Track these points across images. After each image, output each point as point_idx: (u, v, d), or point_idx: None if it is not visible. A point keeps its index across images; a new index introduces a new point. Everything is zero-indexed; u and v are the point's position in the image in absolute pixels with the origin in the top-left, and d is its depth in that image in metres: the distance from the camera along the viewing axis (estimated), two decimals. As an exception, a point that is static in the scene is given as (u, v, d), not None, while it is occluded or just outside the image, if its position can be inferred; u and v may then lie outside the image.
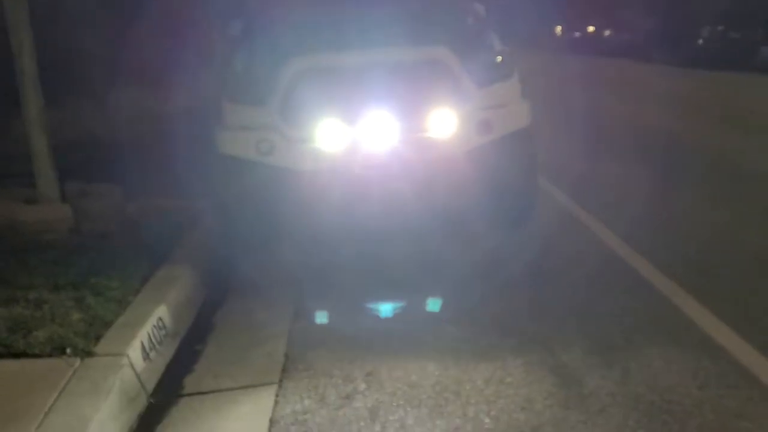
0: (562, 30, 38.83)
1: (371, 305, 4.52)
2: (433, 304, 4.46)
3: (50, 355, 3.47)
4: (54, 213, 5.32)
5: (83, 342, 3.55)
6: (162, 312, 4.04)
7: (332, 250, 4.99)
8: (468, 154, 4.78)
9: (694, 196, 6.38)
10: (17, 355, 3.48)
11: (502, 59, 5.05)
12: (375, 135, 4.65)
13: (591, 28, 32.54)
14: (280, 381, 3.67)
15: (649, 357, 3.69)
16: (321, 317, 4.32)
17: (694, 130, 9.73)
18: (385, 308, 4.50)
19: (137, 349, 3.62)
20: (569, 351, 3.78)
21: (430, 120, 4.70)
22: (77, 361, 3.42)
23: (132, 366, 3.51)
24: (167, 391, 3.66)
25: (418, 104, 4.71)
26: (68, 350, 3.48)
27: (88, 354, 3.48)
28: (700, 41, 21.21)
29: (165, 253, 4.79)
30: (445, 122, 4.70)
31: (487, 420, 3.26)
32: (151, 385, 3.63)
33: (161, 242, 4.97)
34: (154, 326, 3.92)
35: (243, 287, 4.87)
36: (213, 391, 3.65)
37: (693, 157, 8.03)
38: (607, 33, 30.39)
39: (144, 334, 3.75)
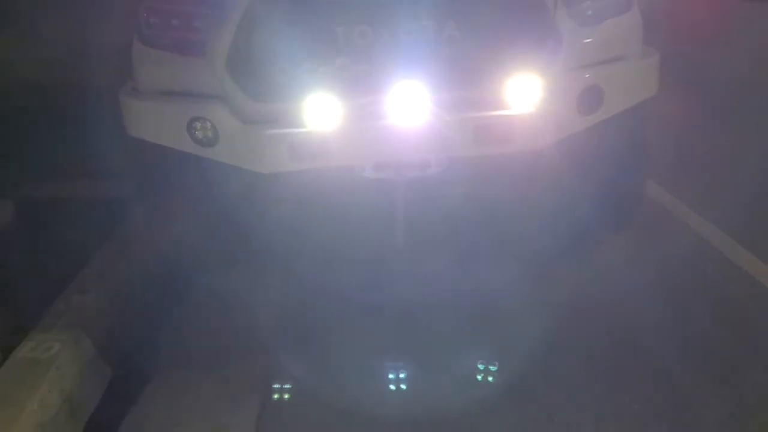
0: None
1: (385, 370, 2.77)
2: (485, 372, 2.77)
3: None
4: None
5: None
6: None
7: (330, 294, 3.03)
8: (560, 145, 2.74)
9: None
10: None
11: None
12: (399, 113, 2.59)
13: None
14: None
15: None
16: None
17: None
18: (406, 374, 2.75)
19: None
20: None
21: (498, 88, 2.63)
22: None
23: None
24: None
25: (475, 60, 2.63)
26: None
27: None
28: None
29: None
30: (525, 91, 2.63)
31: None
32: None
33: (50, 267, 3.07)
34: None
35: (183, 353, 2.99)
36: None
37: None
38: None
39: None
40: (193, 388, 2.79)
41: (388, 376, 2.76)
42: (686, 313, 3.10)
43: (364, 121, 2.59)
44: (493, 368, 2.78)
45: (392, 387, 2.74)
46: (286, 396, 2.73)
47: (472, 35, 2.62)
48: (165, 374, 2.88)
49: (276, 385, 2.75)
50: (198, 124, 2.65)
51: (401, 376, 2.76)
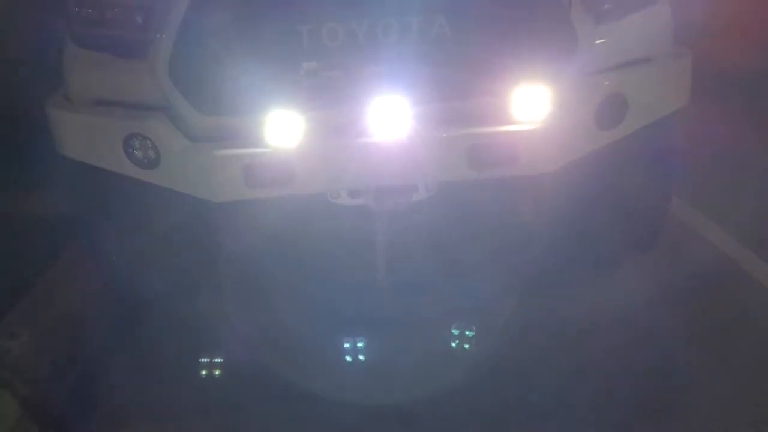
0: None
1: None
2: (460, 338, 2.51)
3: None
4: None
5: None
6: None
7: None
8: (576, 164, 2.28)
9: None
10: None
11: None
12: (379, 129, 2.14)
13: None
14: None
15: None
16: None
17: None
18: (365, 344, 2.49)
19: None
20: None
21: (499, 98, 2.17)
22: None
23: None
24: None
25: (470, 64, 2.18)
26: None
27: None
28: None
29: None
30: (532, 102, 2.18)
31: None
32: None
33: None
34: None
35: (129, 409, 2.51)
36: None
37: None
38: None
39: None
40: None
41: (343, 345, 2.45)
42: (706, 332, 2.69)
43: (336, 138, 2.16)
44: (469, 333, 2.48)
45: (348, 358, 2.45)
46: (217, 372, 2.43)
47: (467, 34, 2.17)
48: (107, 434, 2.45)
49: (204, 360, 2.44)
50: (136, 142, 2.21)
51: (359, 345, 2.46)
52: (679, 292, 3.01)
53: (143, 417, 2.51)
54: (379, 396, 2.34)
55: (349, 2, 2.12)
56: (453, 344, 2.52)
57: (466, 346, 2.51)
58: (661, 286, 3.05)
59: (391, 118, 2.14)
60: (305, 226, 2.28)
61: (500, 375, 2.47)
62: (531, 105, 2.18)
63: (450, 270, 2.46)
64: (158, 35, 2.18)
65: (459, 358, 2.51)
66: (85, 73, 2.35)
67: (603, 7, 2.34)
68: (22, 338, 2.57)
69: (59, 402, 2.50)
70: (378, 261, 2.35)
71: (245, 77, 2.14)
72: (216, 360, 2.49)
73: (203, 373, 2.48)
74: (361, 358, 2.48)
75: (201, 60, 2.15)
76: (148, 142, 2.19)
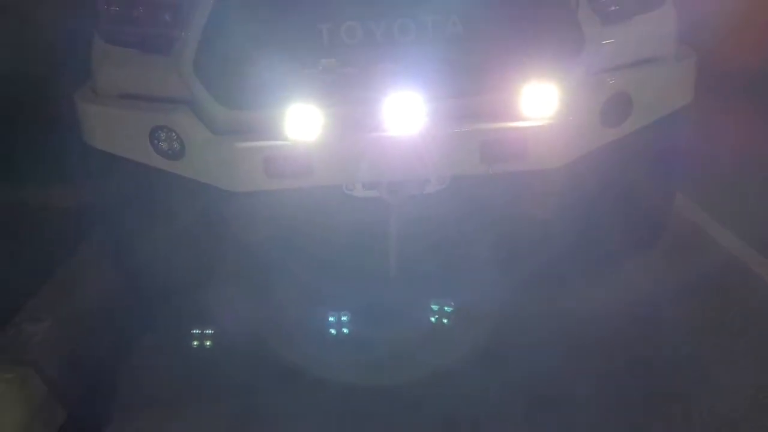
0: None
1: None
2: (439, 314, 2.63)
3: None
4: None
5: None
6: None
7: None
8: (582, 161, 2.37)
9: None
10: None
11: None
12: (394, 124, 2.24)
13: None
14: None
15: None
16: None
17: None
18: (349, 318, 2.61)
19: None
20: None
21: (509, 96, 2.27)
22: None
23: None
24: None
25: (482, 62, 2.28)
26: None
27: None
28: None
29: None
30: (540, 100, 2.27)
31: None
32: None
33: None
34: None
35: (147, 391, 2.63)
36: None
37: None
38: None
39: None
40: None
41: (328, 319, 2.56)
42: (712, 333, 2.76)
43: (352, 132, 2.26)
44: (448, 309, 2.58)
45: (333, 331, 2.55)
46: (208, 343, 2.55)
47: (479, 33, 2.26)
48: (126, 417, 2.54)
49: (196, 331, 2.56)
50: (162, 134, 2.31)
51: (343, 319, 2.56)
52: (682, 287, 3.11)
53: (161, 398, 2.62)
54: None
55: (368, 2, 2.22)
56: (432, 319, 2.62)
57: (445, 321, 2.61)
58: (662, 281, 3.16)
59: (406, 113, 2.23)
60: (321, 217, 2.38)
61: (492, 358, 2.56)
62: (539, 102, 2.27)
63: (457, 259, 2.56)
64: (184, 33, 2.28)
65: (440, 333, 2.60)
66: (112, 67, 2.45)
67: (609, 9, 2.44)
68: (45, 323, 2.68)
69: (81, 383, 2.61)
70: (390, 250, 2.45)
71: (267, 73, 2.23)
72: (207, 332, 2.62)
73: (218, 353, 2.60)
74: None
75: (225, 56, 2.25)
76: (173, 134, 2.30)
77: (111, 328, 2.79)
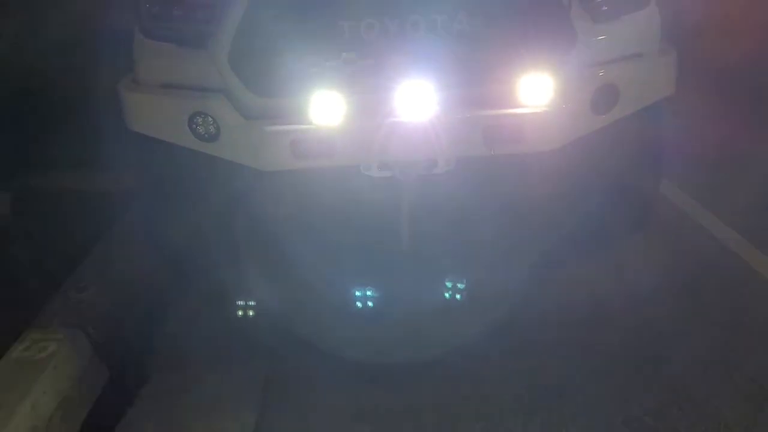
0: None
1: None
2: (452, 290, 2.82)
3: None
4: None
5: None
6: None
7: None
8: (573, 145, 2.64)
9: None
10: None
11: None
12: (406, 110, 2.50)
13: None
14: None
15: None
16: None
17: None
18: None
19: None
20: None
21: (509, 86, 2.53)
22: None
23: None
24: None
25: (485, 55, 2.53)
26: None
27: None
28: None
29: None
30: (538, 90, 2.53)
31: None
32: None
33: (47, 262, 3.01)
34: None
35: (183, 352, 2.94)
36: None
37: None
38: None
39: None
40: (193, 389, 2.74)
41: (354, 294, 2.78)
42: (701, 317, 3.04)
43: (369, 118, 2.50)
44: (461, 286, 2.79)
45: (359, 305, 2.78)
46: (251, 313, 2.78)
47: (483, 30, 2.52)
48: (164, 375, 2.82)
49: (240, 302, 2.79)
50: (199, 119, 2.57)
51: (368, 294, 2.78)
52: (666, 263, 3.39)
53: (194, 359, 2.89)
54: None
55: (384, 2, 2.48)
56: (446, 295, 2.84)
57: (458, 296, 2.83)
58: (651, 263, 3.44)
59: (417, 101, 2.47)
60: (341, 194, 2.64)
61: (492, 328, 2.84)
62: (536, 91, 2.52)
63: (460, 233, 2.82)
64: (219, 30, 2.54)
65: (452, 307, 2.84)
66: (153, 60, 2.71)
67: (600, 9, 2.69)
68: (90, 291, 2.95)
69: (123, 344, 2.88)
70: (402, 225, 2.71)
71: (293, 64, 2.49)
72: (249, 303, 2.85)
73: (249, 321, 2.86)
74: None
75: (256, 50, 2.50)
76: (210, 119, 2.55)
77: (148, 297, 3.07)
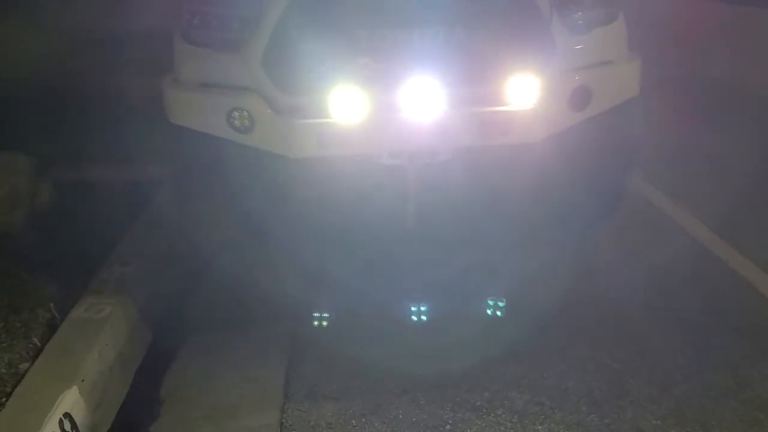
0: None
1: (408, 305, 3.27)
2: (494, 307, 3.31)
3: None
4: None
5: None
6: (71, 401, 2.45)
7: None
8: (552, 139, 3.11)
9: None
10: None
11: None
12: (414, 107, 2.94)
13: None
14: None
15: None
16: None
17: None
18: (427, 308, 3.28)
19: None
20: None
21: (500, 86, 2.98)
22: None
23: None
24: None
25: (480, 61, 2.99)
26: None
27: None
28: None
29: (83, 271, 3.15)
30: (524, 90, 3.00)
31: None
32: None
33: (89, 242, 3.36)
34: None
35: (214, 318, 3.34)
36: None
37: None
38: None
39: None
40: (225, 347, 3.14)
41: (410, 309, 3.24)
42: (671, 305, 3.47)
43: (382, 113, 2.94)
44: (501, 304, 3.28)
45: (414, 319, 3.23)
46: (324, 323, 3.18)
47: (478, 39, 2.98)
48: (199, 336, 3.22)
49: (315, 314, 3.19)
50: (236, 113, 2.98)
51: (422, 309, 3.25)
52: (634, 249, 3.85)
53: (226, 323, 3.29)
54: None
55: (396, 15, 2.92)
56: (488, 312, 3.31)
57: (499, 313, 3.30)
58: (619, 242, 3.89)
59: (423, 99, 2.91)
60: (357, 179, 3.07)
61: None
62: (523, 91, 2.96)
63: (457, 215, 3.25)
64: (253, 37, 2.97)
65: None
66: (193, 63, 3.12)
67: (576, 23, 3.16)
68: (131, 266, 3.34)
69: (161, 312, 3.27)
70: (409, 205, 3.15)
71: (318, 67, 2.93)
72: (324, 315, 3.22)
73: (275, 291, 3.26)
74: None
75: (286, 54, 2.93)
76: (246, 113, 2.97)
77: (184, 269, 3.46)
